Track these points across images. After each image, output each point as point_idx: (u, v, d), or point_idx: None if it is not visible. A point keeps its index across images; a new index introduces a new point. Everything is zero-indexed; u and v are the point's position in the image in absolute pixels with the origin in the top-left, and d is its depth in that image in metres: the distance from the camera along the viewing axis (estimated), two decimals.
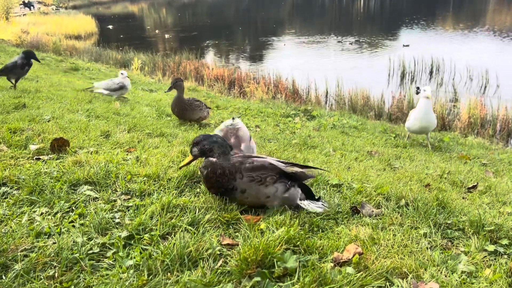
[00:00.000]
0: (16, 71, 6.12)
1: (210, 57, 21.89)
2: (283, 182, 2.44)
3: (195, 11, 47.97)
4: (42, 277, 1.81)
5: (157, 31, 31.44)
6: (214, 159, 2.43)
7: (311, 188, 2.69)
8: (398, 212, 2.69)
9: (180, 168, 2.71)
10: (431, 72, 16.56)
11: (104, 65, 16.50)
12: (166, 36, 29.87)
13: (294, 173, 2.49)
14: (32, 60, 6.28)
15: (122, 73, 6.82)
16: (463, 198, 3.44)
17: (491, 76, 14.52)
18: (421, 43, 22.53)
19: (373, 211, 2.67)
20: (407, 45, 21.75)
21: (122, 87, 6.70)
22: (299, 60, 20.36)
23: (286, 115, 8.11)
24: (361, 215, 2.58)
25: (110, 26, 33.47)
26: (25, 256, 1.94)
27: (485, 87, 14.40)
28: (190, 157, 2.53)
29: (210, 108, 5.83)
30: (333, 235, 2.26)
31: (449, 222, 2.59)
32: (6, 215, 2.28)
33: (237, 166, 2.41)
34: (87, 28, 29.29)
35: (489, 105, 10.75)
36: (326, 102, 14.06)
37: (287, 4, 52.17)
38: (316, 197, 2.62)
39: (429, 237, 2.38)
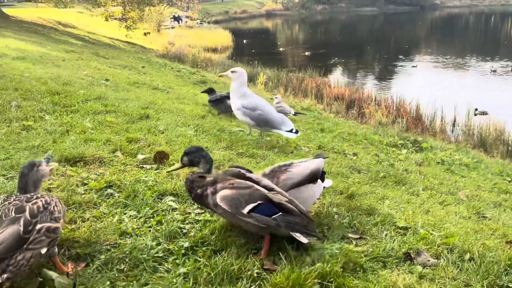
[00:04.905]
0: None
1: (334, 76, 22.02)
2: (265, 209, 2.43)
3: (327, 29, 48.49)
4: (115, 269, 2.26)
5: (281, 49, 32.54)
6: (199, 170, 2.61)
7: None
8: (457, 266, 2.62)
9: (168, 172, 3.02)
10: None
11: None
12: (295, 52, 30.84)
13: (281, 204, 2.46)
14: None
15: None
16: None
17: None
18: None
19: (429, 260, 2.64)
20: None
21: None
22: (430, 84, 19.36)
23: (393, 144, 7.92)
24: (414, 263, 2.59)
25: (245, 41, 35.69)
26: (108, 250, 2.42)
27: None
28: (179, 165, 2.71)
29: None
30: (373, 278, 2.35)
31: None
32: (105, 213, 2.84)
33: (218, 178, 2.54)
34: (224, 42, 31.72)
35: None
36: (452, 131, 13.21)
37: (424, 23, 49.65)
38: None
39: None
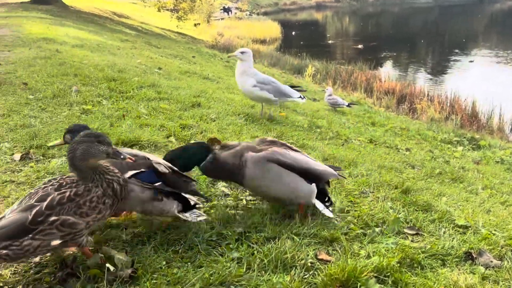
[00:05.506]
0: None
1: (384, 69, 21.36)
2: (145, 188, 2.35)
3: (378, 21, 47.14)
4: (170, 250, 2.30)
5: (330, 41, 31.92)
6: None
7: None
8: None
9: (50, 146, 3.18)
10: None
11: (280, 70, 17.66)
12: (344, 45, 30.23)
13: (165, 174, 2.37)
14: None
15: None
16: None
17: None
18: None
19: (492, 261, 2.50)
20: None
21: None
22: (487, 80, 18.37)
23: (448, 141, 7.60)
24: (476, 263, 2.46)
25: (293, 32, 35.34)
26: (163, 231, 2.47)
27: None
28: (61, 141, 2.63)
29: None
30: (431, 276, 2.25)
31: None
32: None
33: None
34: (272, 33, 31.55)
35: None
36: (511, 130, 12.53)
37: (484, 16, 47.13)
38: (192, 204, 2.52)
39: None
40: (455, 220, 3.03)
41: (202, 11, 32.53)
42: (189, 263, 2.20)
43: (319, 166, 2.78)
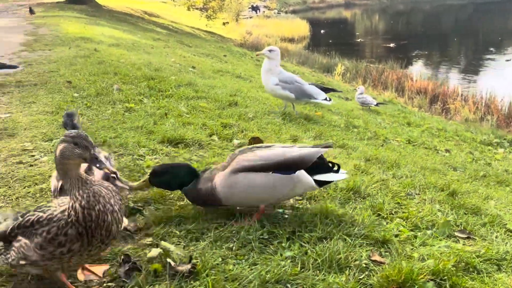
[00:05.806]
0: None
1: (416, 68, 20.94)
2: None
3: (409, 19, 46.24)
4: (224, 246, 2.34)
5: (360, 39, 31.50)
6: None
7: None
8: None
9: None
10: None
11: (309, 69, 17.59)
12: (374, 43, 29.81)
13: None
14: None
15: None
16: None
17: None
18: None
19: None
20: None
21: None
22: None
23: (488, 142, 7.42)
24: None
25: (322, 31, 35.05)
26: (216, 228, 2.51)
27: None
28: None
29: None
30: (489, 281, 2.22)
31: None
32: None
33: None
34: (301, 32, 31.37)
35: None
36: None
37: None
38: None
39: None
40: (506, 224, 2.97)
41: (230, 10, 32.66)
42: (243, 260, 2.23)
43: (296, 152, 2.60)
